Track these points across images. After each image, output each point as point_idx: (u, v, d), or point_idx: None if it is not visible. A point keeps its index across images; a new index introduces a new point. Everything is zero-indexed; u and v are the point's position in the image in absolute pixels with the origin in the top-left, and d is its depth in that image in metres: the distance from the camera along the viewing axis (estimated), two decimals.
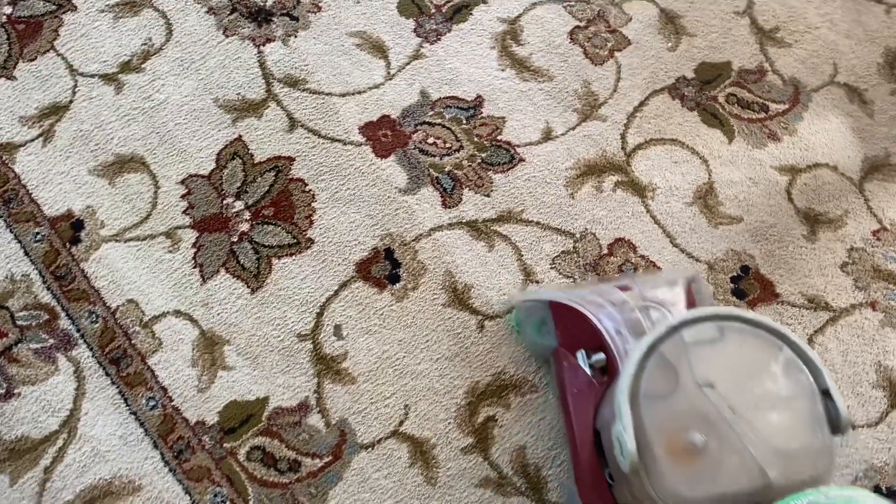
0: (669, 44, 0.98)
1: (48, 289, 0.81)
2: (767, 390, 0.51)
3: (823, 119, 0.94)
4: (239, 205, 0.86)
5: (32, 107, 0.90)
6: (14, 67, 0.92)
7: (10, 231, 0.84)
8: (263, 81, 0.92)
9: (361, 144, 0.90)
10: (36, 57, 0.93)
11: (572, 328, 0.67)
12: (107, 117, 0.90)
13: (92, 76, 0.92)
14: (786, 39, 0.99)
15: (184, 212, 0.86)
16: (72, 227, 0.84)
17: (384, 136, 0.90)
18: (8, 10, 0.95)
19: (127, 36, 0.94)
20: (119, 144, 0.88)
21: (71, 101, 0.90)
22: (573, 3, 1.00)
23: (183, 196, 0.87)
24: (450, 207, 0.87)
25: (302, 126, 0.90)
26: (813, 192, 0.90)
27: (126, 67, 0.92)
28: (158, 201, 0.86)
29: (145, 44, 0.94)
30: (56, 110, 0.90)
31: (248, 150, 0.89)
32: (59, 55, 0.93)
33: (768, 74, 0.97)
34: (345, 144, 0.90)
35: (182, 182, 0.87)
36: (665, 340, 0.52)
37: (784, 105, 0.95)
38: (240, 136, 0.90)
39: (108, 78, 0.92)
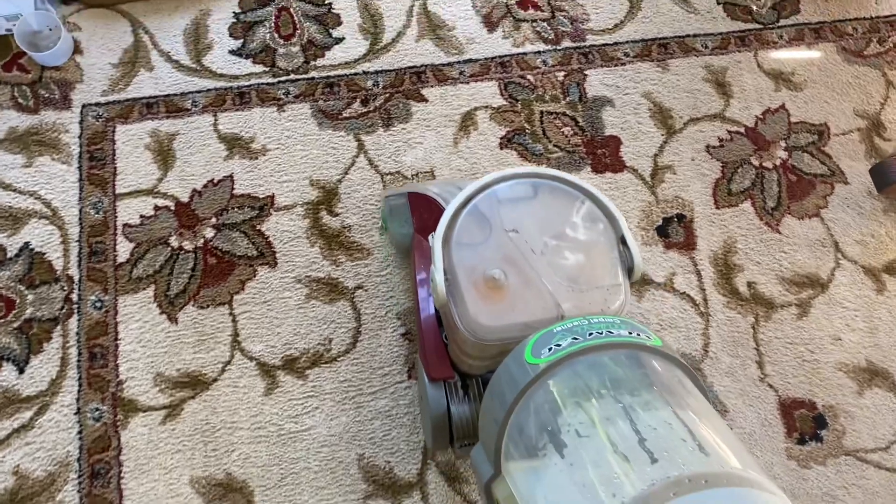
0: None
1: None
2: (567, 236, 0.56)
3: None
4: None
5: (175, 367, 0.78)
6: (181, 309, 0.80)
7: None
8: (420, 460, 0.76)
9: None
10: (209, 305, 0.81)
11: (426, 214, 0.72)
12: (241, 419, 0.76)
13: (251, 358, 0.79)
14: None
15: None
16: None
17: None
18: (210, 233, 0.84)
19: (308, 325, 0.81)
20: (236, 461, 0.75)
21: (215, 381, 0.78)
22: None
23: None
24: None
25: None
26: None
27: (290, 365, 0.79)
28: None
29: (323, 343, 0.80)
30: (195, 384, 0.77)
31: None
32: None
33: None
34: None
35: None
36: (479, 195, 0.57)
37: None
38: None
39: (265, 369, 0.79)
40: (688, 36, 1.00)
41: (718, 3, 1.03)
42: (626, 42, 0.99)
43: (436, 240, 0.56)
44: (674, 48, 1.00)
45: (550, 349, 0.46)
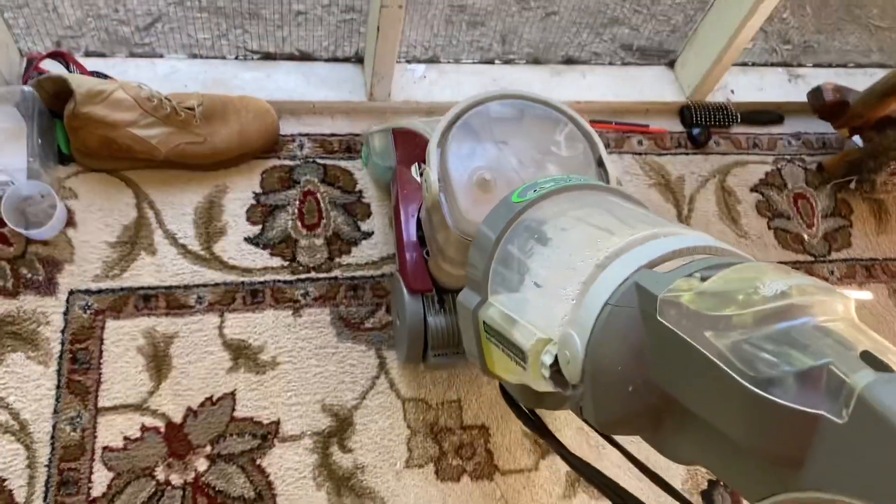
0: None
1: None
2: (551, 152, 0.62)
3: None
4: None
5: None
6: None
7: None
8: None
9: None
10: None
11: (409, 148, 0.78)
12: None
13: None
14: None
15: None
16: None
17: None
18: (202, 465, 0.73)
19: None
20: None
21: None
22: None
23: None
24: None
25: None
26: None
27: None
28: None
29: None
30: None
31: None
32: None
33: None
34: None
35: None
36: (470, 111, 0.62)
37: None
38: None
39: None
40: None
41: (770, 229, 0.97)
42: None
43: (431, 145, 0.60)
44: None
45: (535, 191, 0.52)
